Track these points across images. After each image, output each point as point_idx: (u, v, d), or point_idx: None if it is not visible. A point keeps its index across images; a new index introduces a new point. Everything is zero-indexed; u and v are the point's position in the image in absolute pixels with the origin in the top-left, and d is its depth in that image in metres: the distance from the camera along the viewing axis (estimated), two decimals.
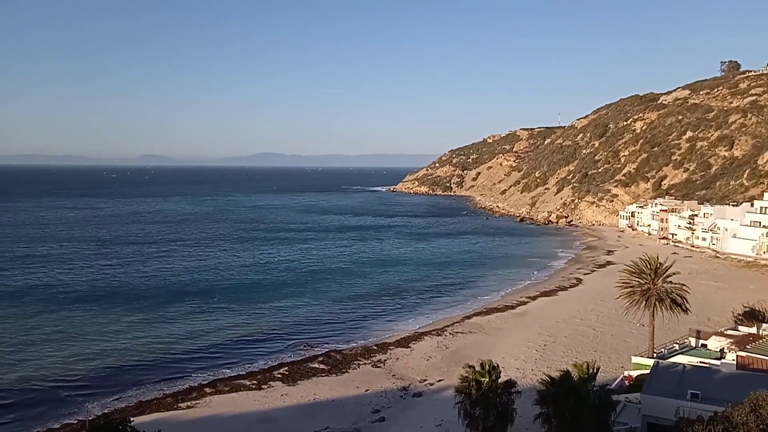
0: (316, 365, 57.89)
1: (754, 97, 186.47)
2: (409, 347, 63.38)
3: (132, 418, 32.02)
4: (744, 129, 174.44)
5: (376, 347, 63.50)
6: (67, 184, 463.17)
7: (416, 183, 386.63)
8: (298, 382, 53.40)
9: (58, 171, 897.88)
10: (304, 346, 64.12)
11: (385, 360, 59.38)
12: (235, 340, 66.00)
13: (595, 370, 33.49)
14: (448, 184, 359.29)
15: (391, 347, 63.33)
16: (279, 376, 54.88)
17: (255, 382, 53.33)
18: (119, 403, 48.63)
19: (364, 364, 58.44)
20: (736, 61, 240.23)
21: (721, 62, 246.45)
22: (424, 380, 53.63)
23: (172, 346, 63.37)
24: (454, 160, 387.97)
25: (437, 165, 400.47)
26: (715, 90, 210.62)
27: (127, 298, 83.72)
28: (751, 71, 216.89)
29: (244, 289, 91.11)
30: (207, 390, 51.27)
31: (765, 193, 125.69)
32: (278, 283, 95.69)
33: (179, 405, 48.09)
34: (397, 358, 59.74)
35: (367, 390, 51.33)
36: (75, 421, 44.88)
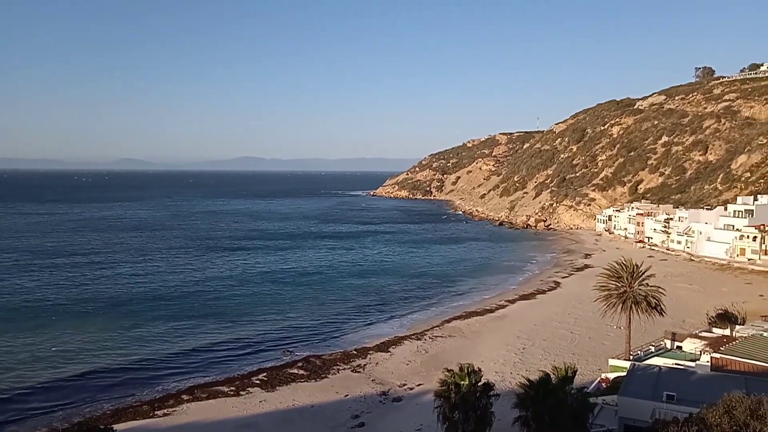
0: (295, 371, 57.50)
1: (727, 103, 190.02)
2: (389, 352, 63.26)
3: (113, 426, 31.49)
4: (718, 134, 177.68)
5: (355, 352, 63.27)
6: (39, 188, 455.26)
7: (396, 187, 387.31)
8: (277, 387, 52.98)
9: (31, 175, 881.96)
10: (283, 352, 63.71)
11: (365, 365, 59.20)
12: (212, 347, 65.29)
13: (572, 373, 33.70)
14: (428, 189, 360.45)
15: (370, 352, 63.17)
16: (257, 382, 54.40)
17: (233, 388, 52.79)
18: (94, 412, 47.79)
19: (344, 369, 58.21)
20: (711, 67, 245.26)
21: (696, 68, 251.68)
22: (404, 385, 53.56)
23: (148, 354, 62.47)
24: (434, 165, 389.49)
25: (417, 169, 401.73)
26: (690, 95, 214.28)
27: (100, 306, 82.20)
28: (724, 77, 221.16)
29: (220, 296, 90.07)
30: (184, 397, 50.62)
31: (738, 197, 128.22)
32: (256, 290, 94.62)
33: (156, 413, 47.39)
34: (377, 363, 59.59)
35: (347, 395, 51.10)
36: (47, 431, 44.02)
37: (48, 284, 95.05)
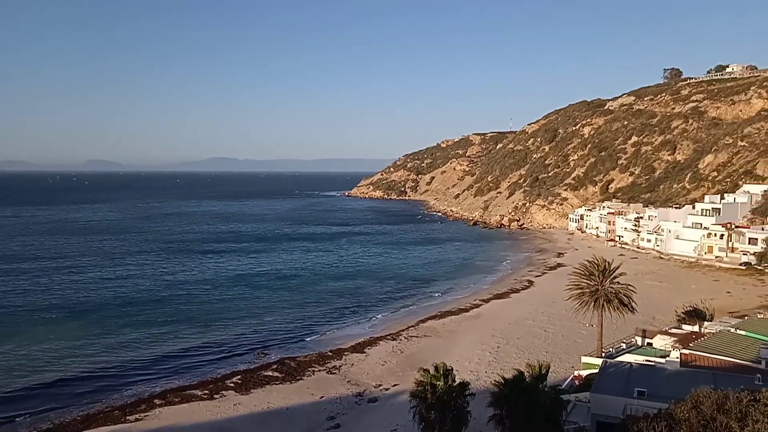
0: (269, 373, 57.10)
1: (694, 104, 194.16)
2: (364, 353, 63.21)
3: None
4: (686, 134, 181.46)
5: (330, 353, 63.07)
6: (5, 190, 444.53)
7: (371, 187, 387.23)
8: (252, 390, 52.54)
9: None
10: (258, 354, 63.24)
11: (340, 366, 59.07)
12: (186, 351, 64.46)
13: (546, 371, 34.07)
14: (402, 189, 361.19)
15: (346, 353, 63.04)
16: (231, 385, 53.88)
17: (207, 391, 52.19)
18: (63, 418, 46.85)
19: (319, 370, 58.00)
20: (678, 69, 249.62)
21: (664, 69, 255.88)
22: (380, 385, 53.57)
23: (120, 359, 61.46)
24: (409, 165, 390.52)
25: (392, 169, 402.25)
26: (659, 96, 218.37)
27: (69, 311, 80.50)
28: (692, 78, 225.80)
29: (193, 300, 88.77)
30: (156, 401, 49.88)
31: (705, 196, 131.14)
32: (229, 293, 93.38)
33: (127, 418, 46.62)
34: (352, 364, 59.50)
35: (322, 397, 50.93)
36: None
37: (15, 290, 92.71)
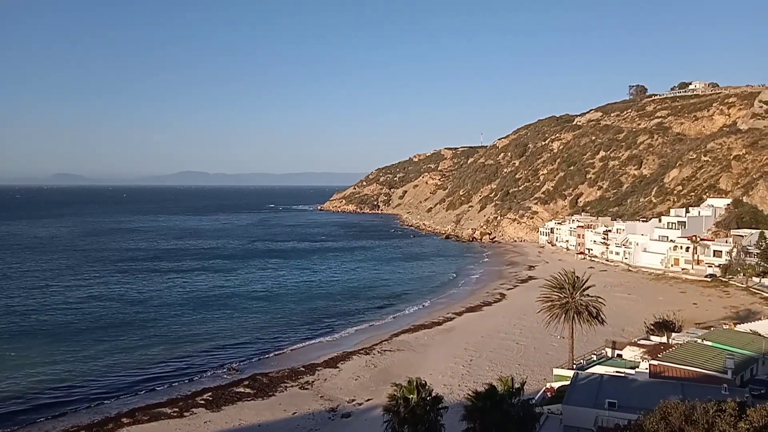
0: (241, 389, 56.31)
1: (659, 119, 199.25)
2: (338, 367, 62.80)
3: None
4: (651, 149, 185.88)
5: (303, 369, 62.51)
6: None
7: (344, 201, 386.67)
8: (223, 407, 51.70)
9: None
10: (229, 371, 62.33)
11: (313, 381, 58.55)
12: (155, 368, 63.25)
13: (519, 384, 34.25)
14: (375, 203, 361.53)
15: (318, 368, 62.55)
16: (202, 402, 52.96)
17: (176, 409, 51.19)
18: None
19: (291, 386, 57.39)
20: (643, 86, 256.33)
21: (630, 86, 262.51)
22: (353, 400, 53.22)
23: (86, 377, 60.04)
24: (381, 179, 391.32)
25: (364, 183, 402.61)
26: (625, 112, 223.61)
27: (34, 329, 78.62)
28: (656, 95, 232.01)
29: (162, 317, 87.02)
30: (124, 420, 48.75)
31: (671, 210, 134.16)
32: (198, 310, 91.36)
33: None
34: (325, 379, 59.04)
35: (295, 413, 50.35)
36: None
37: None
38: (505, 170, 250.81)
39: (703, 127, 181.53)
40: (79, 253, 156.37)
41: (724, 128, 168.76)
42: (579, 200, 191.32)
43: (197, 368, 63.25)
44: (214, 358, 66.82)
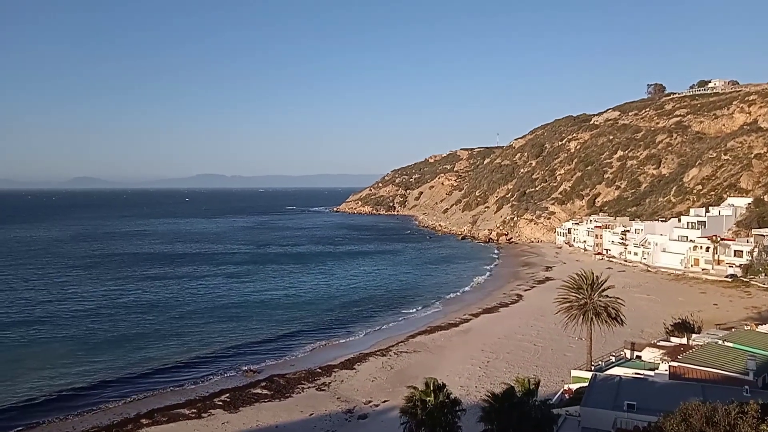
0: (258, 391, 56.57)
1: (678, 118, 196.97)
2: (354, 369, 62.85)
3: None
4: (670, 148, 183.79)
5: (320, 370, 62.64)
6: None
7: (360, 203, 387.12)
8: (240, 408, 51.99)
9: None
10: (246, 372, 62.67)
11: (330, 383, 58.65)
12: (173, 369, 63.84)
13: (536, 385, 34.06)
14: (391, 204, 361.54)
15: (335, 369, 62.66)
16: (220, 403, 53.29)
17: (195, 410, 51.56)
18: None
19: (308, 387, 57.54)
20: (662, 84, 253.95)
21: (648, 85, 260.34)
22: (369, 402, 53.23)
23: (104, 376, 60.77)
24: (397, 180, 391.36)
25: (380, 185, 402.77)
26: (643, 111, 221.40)
27: (54, 326, 79.87)
28: (675, 93, 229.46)
29: (183, 315, 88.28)
30: (143, 421, 49.19)
31: (691, 209, 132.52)
32: (217, 312, 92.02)
33: None
34: (342, 381, 59.13)
35: (312, 414, 50.49)
36: None
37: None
38: (521, 170, 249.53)
39: (723, 125, 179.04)
40: (95, 257, 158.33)
41: (745, 126, 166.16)
42: (597, 200, 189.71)
43: (215, 370, 63.66)
44: (232, 360, 67.25)
